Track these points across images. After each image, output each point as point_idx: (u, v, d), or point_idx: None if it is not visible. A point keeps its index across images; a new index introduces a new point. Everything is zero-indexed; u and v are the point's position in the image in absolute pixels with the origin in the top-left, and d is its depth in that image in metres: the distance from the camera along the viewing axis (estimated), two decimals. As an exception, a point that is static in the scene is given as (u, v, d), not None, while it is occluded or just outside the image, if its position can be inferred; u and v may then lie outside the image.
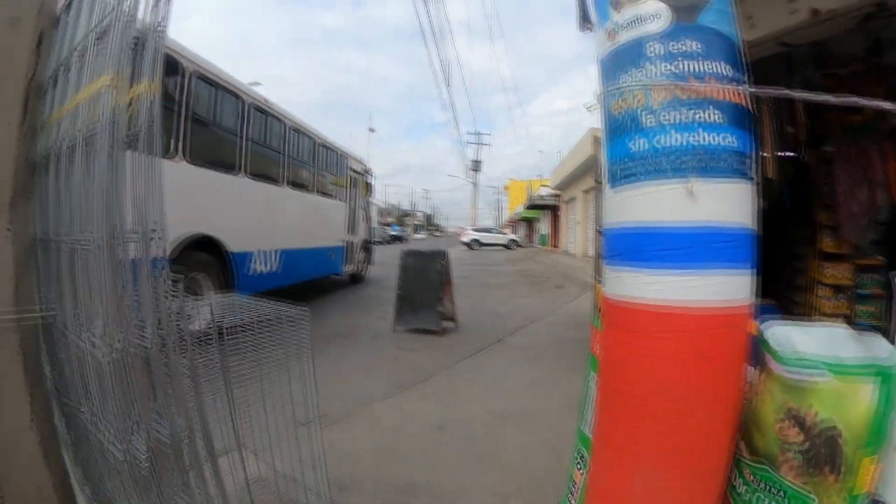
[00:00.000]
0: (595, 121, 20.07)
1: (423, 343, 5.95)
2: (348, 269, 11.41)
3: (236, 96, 6.74)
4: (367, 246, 13.08)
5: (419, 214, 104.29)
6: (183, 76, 5.52)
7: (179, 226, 5.18)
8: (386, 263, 13.22)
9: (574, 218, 27.57)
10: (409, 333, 6.39)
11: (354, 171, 12.02)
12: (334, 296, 9.96)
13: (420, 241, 61.56)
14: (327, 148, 10.25)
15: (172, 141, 5.26)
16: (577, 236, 26.12)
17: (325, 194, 10.04)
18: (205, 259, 5.78)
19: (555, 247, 35.29)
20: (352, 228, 11.63)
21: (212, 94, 6.20)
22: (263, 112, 7.50)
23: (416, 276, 6.60)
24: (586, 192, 23.96)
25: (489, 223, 74.58)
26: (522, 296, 10.65)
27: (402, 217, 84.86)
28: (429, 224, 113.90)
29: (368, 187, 13.52)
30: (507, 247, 38.52)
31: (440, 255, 6.63)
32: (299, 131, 8.84)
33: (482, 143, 56.52)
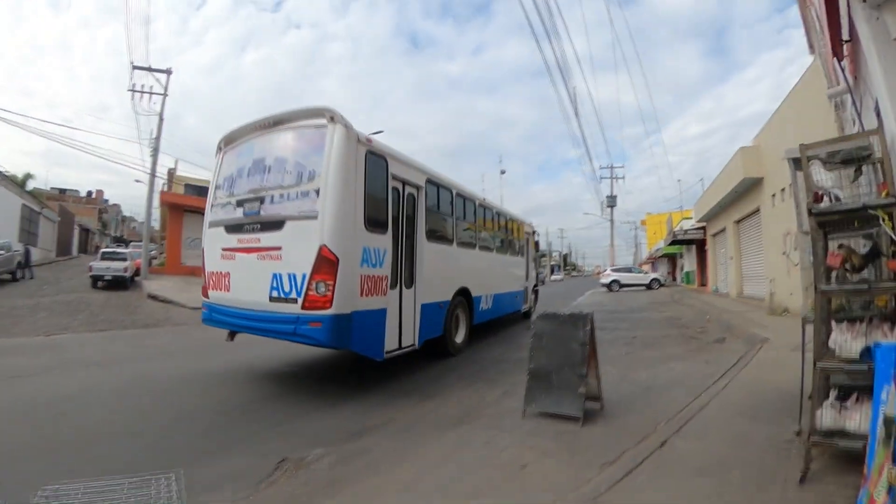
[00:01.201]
0: (741, 140, 17.78)
1: (559, 438, 4.55)
2: (525, 307, 15.11)
3: (487, 208, 11.77)
4: (535, 289, 17.15)
5: (555, 254, 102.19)
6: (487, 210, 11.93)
7: (455, 281, 9.19)
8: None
9: (725, 252, 24.74)
10: (542, 420, 5.04)
11: (527, 233, 15.85)
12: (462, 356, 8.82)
13: (557, 282, 59.51)
14: (512, 219, 14.18)
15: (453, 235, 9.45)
16: (730, 273, 23.31)
17: (512, 253, 13.91)
18: (463, 300, 9.52)
19: (702, 285, 32.17)
20: (527, 277, 15.43)
21: (478, 209, 11.10)
22: (485, 207, 11.63)
23: (552, 346, 5.22)
24: (738, 222, 21.29)
25: (627, 260, 71.33)
26: (677, 357, 8.76)
27: (539, 258, 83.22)
28: (565, 264, 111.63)
29: (536, 244, 17.98)
30: (649, 287, 36.34)
31: (582, 321, 5.14)
32: (500, 213, 12.99)
33: (616, 177, 53.94)
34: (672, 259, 49.49)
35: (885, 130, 3.40)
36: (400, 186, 7.40)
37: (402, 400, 6.17)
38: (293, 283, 5.88)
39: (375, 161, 6.63)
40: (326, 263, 5.70)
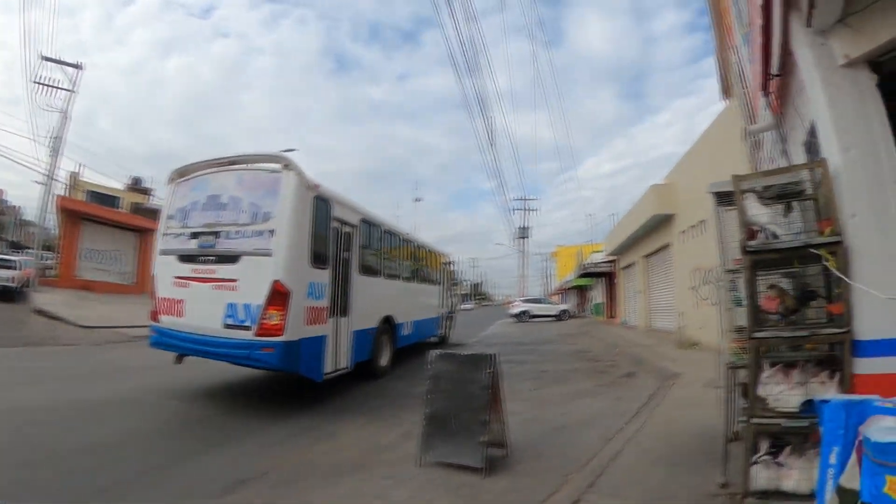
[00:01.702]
0: (651, 179, 18.23)
1: (458, 492, 4.04)
2: (440, 332, 16.04)
3: (409, 242, 12.79)
4: (450, 315, 17.68)
5: (466, 283, 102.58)
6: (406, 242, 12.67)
7: (380, 310, 9.91)
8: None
9: (633, 286, 25.30)
10: (440, 470, 4.49)
11: (444, 263, 16.88)
12: (366, 387, 8.17)
13: (468, 311, 59.62)
14: (431, 251, 15.14)
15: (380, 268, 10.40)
16: (639, 306, 23.81)
17: (430, 283, 14.84)
18: (387, 327, 10.27)
19: (611, 317, 32.74)
20: (442, 305, 16.30)
21: (399, 242, 11.90)
22: (408, 240, 12.68)
23: (451, 389, 4.72)
24: (648, 256, 21.78)
25: (537, 291, 72.37)
26: (588, 393, 8.49)
27: (454, 287, 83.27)
28: (476, 293, 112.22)
29: (452, 274, 19.28)
30: (558, 318, 36.73)
31: (485, 362, 4.64)
32: (420, 246, 13.97)
33: (529, 209, 54.94)
34: (582, 291, 50.44)
35: (828, 163, 3.14)
36: (339, 226, 8.20)
37: (296, 440, 5.56)
38: (248, 312, 6.48)
39: (321, 204, 7.44)
40: (279, 296, 6.41)
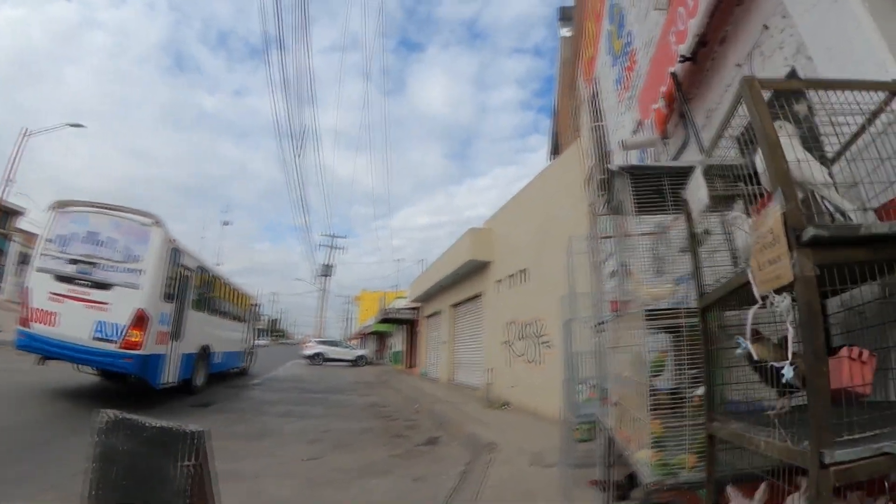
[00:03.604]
0: (473, 222, 17.31)
1: None
2: (243, 365, 17.66)
3: (227, 284, 15.17)
4: (251, 350, 19.16)
5: (264, 318, 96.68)
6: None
7: (202, 339, 11.81)
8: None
9: (438, 336, 23.81)
10: None
11: (251, 304, 18.90)
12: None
13: (262, 347, 55.13)
14: (242, 293, 17.18)
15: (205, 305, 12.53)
16: (442, 358, 22.29)
17: (239, 320, 16.55)
18: (204, 353, 12.07)
19: (410, 367, 31.15)
20: (246, 340, 17.97)
21: (221, 287, 14.43)
22: (226, 283, 14.96)
23: (128, 481, 2.31)
24: (456, 306, 20.52)
25: (337, 333, 69.69)
26: (380, 468, 6.38)
27: (257, 324, 78.06)
28: (274, 330, 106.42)
29: (257, 314, 22.07)
30: (354, 363, 34.55)
31: (184, 444, 2.29)
32: (235, 288, 16.03)
33: (336, 247, 52.66)
34: (382, 337, 48.78)
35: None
36: (183, 270, 10.36)
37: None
38: (115, 329, 8.33)
39: (175, 253, 9.81)
40: (140, 320, 8.48)
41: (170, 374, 9.67)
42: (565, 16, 14.93)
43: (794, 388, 1.99)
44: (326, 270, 51.41)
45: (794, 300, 1.49)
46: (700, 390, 2.40)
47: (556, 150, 14.78)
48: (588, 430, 5.33)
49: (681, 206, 2.53)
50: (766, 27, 3.34)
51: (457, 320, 21.07)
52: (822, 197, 1.77)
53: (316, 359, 33.02)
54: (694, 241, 2.40)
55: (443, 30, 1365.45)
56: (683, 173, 2.65)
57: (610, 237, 4.60)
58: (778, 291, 1.53)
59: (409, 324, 32.88)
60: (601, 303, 4.48)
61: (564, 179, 11.42)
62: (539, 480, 5.56)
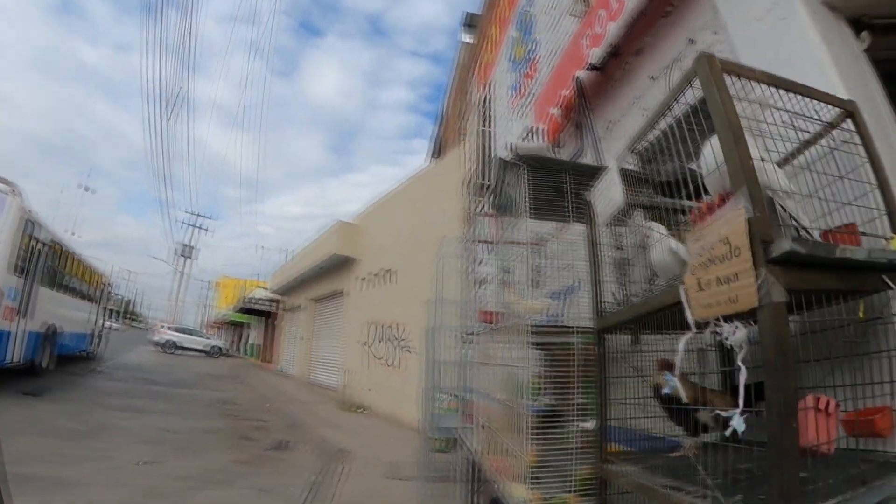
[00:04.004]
0: (345, 218, 16.63)
1: None
2: (91, 348, 16.89)
3: (80, 262, 14.40)
4: (101, 333, 18.31)
5: (118, 299, 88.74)
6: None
7: (50, 317, 11.04)
8: None
9: (296, 331, 22.82)
10: None
11: (104, 284, 18.22)
12: None
13: (114, 330, 50.94)
14: (95, 271, 16.66)
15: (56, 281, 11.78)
16: (299, 354, 21.35)
17: (90, 300, 15.88)
18: (51, 334, 11.34)
19: (267, 362, 29.78)
20: (97, 322, 17.33)
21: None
22: (79, 261, 14.30)
23: None
24: (317, 301, 19.70)
25: (193, 320, 66.01)
26: (220, 476, 5.65)
27: (108, 306, 71.98)
28: (127, 312, 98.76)
29: (109, 294, 20.45)
30: (209, 354, 32.29)
31: None
32: (89, 267, 15.62)
33: (199, 227, 49.39)
34: (239, 328, 46.46)
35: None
36: (36, 244, 9.85)
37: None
38: None
39: (29, 225, 9.38)
40: None
41: (15, 353, 9.12)
42: (471, 22, 14.74)
43: (706, 429, 1.71)
44: (187, 251, 47.98)
45: (748, 332, 1.15)
46: (591, 423, 2.08)
47: (437, 155, 14.58)
48: (446, 441, 5.12)
49: (583, 209, 2.19)
50: (692, 41, 3.19)
51: (317, 316, 20.28)
52: (783, 208, 1.44)
53: (167, 347, 30.45)
54: (595, 251, 2.07)
55: (346, 19, 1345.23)
56: (589, 173, 2.34)
57: (486, 242, 4.33)
58: (726, 319, 1.19)
59: (268, 316, 31.46)
60: (470, 311, 4.19)
61: (442, 183, 11.11)
62: (395, 495, 5.17)
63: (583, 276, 2.80)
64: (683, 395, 1.37)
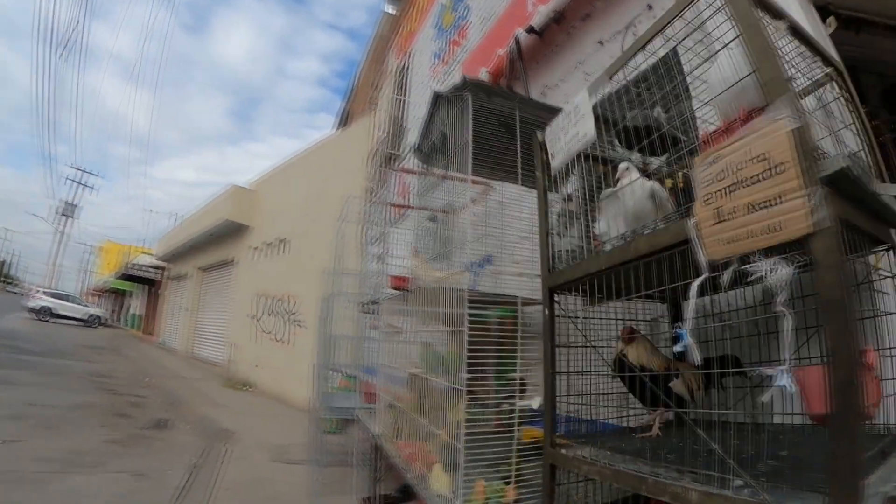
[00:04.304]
0: (238, 179, 15.69)
1: None
2: None
3: None
4: None
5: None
6: None
7: None
8: None
9: (181, 302, 21.48)
10: None
11: None
12: None
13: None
14: None
15: None
16: (182, 327, 20.13)
17: None
18: None
19: (149, 333, 28.01)
20: None
21: None
22: None
23: None
24: (205, 269, 18.69)
25: (76, 287, 61.60)
26: (93, 457, 5.03)
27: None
28: (0, 274, 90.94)
29: None
30: (87, 323, 29.89)
31: None
32: None
33: (84, 184, 45.60)
34: (121, 296, 43.49)
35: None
36: None
37: None
38: None
39: None
40: None
41: None
42: (398, -8, 14.24)
43: (668, 404, 1.49)
44: (69, 209, 44.15)
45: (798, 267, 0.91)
46: (536, 402, 1.82)
47: (343, 127, 14.08)
48: (338, 423, 4.90)
49: (531, 148, 1.93)
50: (650, 7, 3.04)
51: (204, 286, 19.18)
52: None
53: (42, 313, 27.90)
54: (545, 198, 1.81)
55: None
56: (543, 110, 2.09)
57: (399, 206, 4.06)
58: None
59: (152, 284, 29.52)
60: (375, 278, 3.88)
61: (346, 153, 10.68)
62: (282, 482, 4.80)
63: (496, 249, 2.59)
64: (696, 356, 1.10)
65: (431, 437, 2.15)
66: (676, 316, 1.88)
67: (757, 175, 0.97)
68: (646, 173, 1.62)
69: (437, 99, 2.43)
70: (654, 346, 1.64)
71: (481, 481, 1.87)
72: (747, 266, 0.98)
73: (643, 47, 1.41)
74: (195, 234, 18.09)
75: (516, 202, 2.60)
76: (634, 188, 1.53)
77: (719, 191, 1.05)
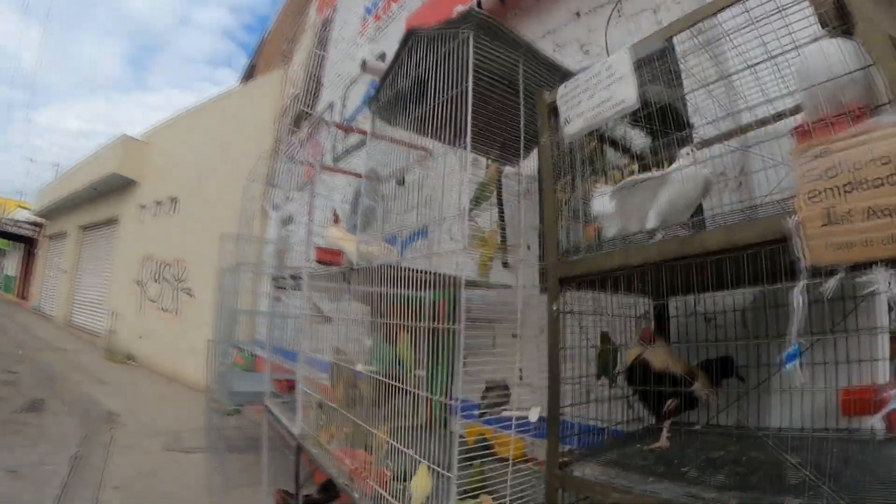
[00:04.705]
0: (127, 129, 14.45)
1: None
2: None
3: None
4: None
5: None
6: None
7: None
8: None
9: (59, 263, 19.75)
10: None
11: None
12: None
13: None
14: None
15: None
16: (60, 291, 18.63)
17: None
18: None
19: (23, 298, 25.86)
20: None
21: None
22: None
23: None
24: (86, 228, 17.37)
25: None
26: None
27: None
28: None
29: None
30: (-52, 284, 27.36)
31: None
32: None
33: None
34: (-6, 255, 39.89)
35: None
36: None
37: None
38: None
39: None
40: None
41: None
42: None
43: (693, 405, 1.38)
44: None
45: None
46: (534, 413, 1.62)
47: (253, 66, 13.30)
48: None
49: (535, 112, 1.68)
50: None
51: (84, 246, 17.79)
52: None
53: None
54: (551, 170, 1.56)
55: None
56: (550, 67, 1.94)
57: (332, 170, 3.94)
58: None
59: (29, 243, 27.10)
60: (292, 249, 3.53)
61: (251, 108, 10.04)
62: (178, 475, 4.40)
63: (428, 220, 2.34)
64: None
65: (379, 444, 1.89)
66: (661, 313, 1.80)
67: (881, 178, 0.89)
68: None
69: (411, 38, 2.08)
70: (671, 349, 1.54)
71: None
72: (860, 276, 0.91)
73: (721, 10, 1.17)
74: (77, 187, 16.55)
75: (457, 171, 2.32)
76: (687, 175, 1.35)
77: (830, 188, 0.95)
